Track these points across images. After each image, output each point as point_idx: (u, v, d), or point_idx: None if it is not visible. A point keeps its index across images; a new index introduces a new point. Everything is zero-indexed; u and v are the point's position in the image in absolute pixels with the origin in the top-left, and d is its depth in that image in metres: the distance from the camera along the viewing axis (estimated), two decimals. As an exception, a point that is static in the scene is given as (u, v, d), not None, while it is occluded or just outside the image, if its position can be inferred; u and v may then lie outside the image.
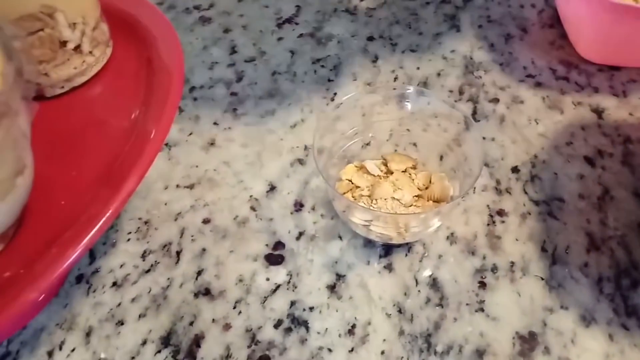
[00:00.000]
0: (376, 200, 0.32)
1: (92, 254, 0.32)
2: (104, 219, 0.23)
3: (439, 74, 0.42)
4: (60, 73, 0.29)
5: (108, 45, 0.32)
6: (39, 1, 0.26)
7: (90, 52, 0.30)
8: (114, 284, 0.31)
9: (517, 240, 0.33)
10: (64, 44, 0.28)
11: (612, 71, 0.42)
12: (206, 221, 0.34)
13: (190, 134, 0.39)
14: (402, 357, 0.28)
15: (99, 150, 0.28)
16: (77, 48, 0.29)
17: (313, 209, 0.35)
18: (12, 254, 0.24)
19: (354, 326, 0.29)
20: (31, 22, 0.26)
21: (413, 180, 0.34)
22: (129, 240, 0.33)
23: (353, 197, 0.33)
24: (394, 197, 0.32)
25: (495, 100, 0.40)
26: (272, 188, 0.36)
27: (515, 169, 0.36)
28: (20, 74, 0.22)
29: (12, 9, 0.25)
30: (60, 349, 0.29)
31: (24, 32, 0.26)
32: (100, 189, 0.25)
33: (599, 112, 0.39)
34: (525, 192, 0.35)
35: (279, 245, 0.33)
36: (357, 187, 0.33)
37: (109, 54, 0.32)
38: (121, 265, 0.32)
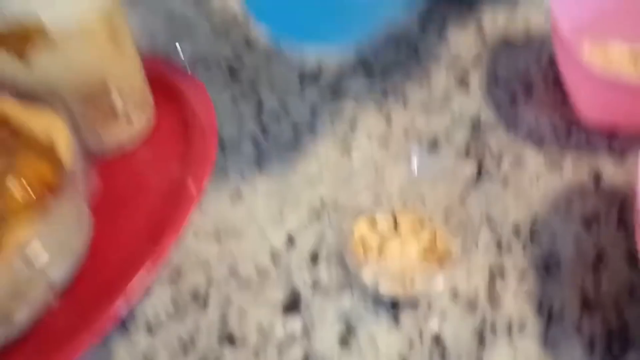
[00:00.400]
0: (385, 255, 0.36)
1: (128, 299, 0.36)
2: (148, 271, 0.27)
3: (447, 132, 0.46)
4: (111, 138, 0.33)
5: (151, 111, 0.36)
6: (97, 77, 0.30)
7: (137, 120, 0.34)
8: (147, 327, 0.35)
9: (515, 298, 0.35)
10: (115, 113, 0.32)
11: (612, 133, 0.44)
12: (231, 270, 0.38)
13: (219, 185, 0.43)
14: (405, 407, 0.31)
15: (142, 207, 0.32)
16: (127, 117, 0.33)
17: (328, 261, 0.38)
18: (67, 304, 0.28)
19: (362, 376, 0.32)
20: (90, 96, 0.31)
21: (419, 237, 0.37)
22: (161, 285, 0.37)
23: (364, 252, 0.36)
24: (401, 254, 0.36)
25: (500, 160, 0.43)
26: (291, 240, 0.39)
27: (515, 228, 0.39)
28: (84, 147, 0.26)
29: (74, 85, 0.30)
30: (100, 386, 0.32)
31: (81, 104, 0.31)
32: (144, 243, 0.29)
33: (597, 174, 0.42)
34: (525, 251, 0.38)
35: (296, 295, 0.36)
36: (368, 242, 0.37)
37: (152, 119, 0.36)
38: (154, 310, 0.36)
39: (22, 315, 0.24)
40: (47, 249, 0.23)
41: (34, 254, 0.22)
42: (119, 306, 0.26)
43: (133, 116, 0.34)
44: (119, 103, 0.32)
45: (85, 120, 0.31)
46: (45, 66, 0.28)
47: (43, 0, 0.26)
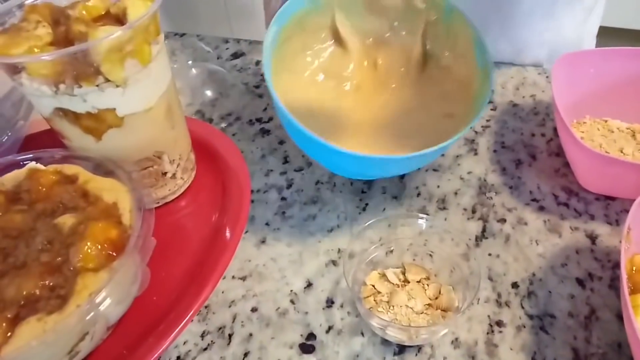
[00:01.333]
0: (393, 306, 0.40)
1: (163, 331, 0.41)
2: (191, 313, 0.31)
3: (455, 193, 0.50)
4: (159, 194, 0.38)
5: (193, 170, 0.42)
6: (153, 148, 0.36)
7: (181, 177, 0.40)
8: (178, 358, 0.39)
9: (511, 349, 0.39)
10: (164, 174, 0.38)
11: (608, 200, 0.48)
12: (254, 310, 0.42)
13: (247, 231, 0.48)
14: None
15: (186, 251, 0.37)
16: (173, 176, 0.39)
17: (342, 306, 0.42)
18: (118, 337, 0.32)
19: (368, 413, 0.35)
20: (145, 162, 0.36)
21: (425, 290, 0.41)
22: (192, 321, 0.41)
23: (375, 300, 0.40)
24: (407, 305, 0.40)
25: (503, 221, 0.47)
26: (309, 285, 0.43)
27: (514, 285, 0.43)
28: (145, 208, 0.31)
29: (135, 154, 0.36)
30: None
31: (139, 168, 0.36)
32: (188, 287, 0.34)
33: (593, 238, 0.46)
34: (522, 307, 0.41)
35: (311, 336, 0.40)
36: (379, 292, 0.41)
37: (193, 176, 0.42)
38: (184, 342, 0.40)
39: (85, 348, 0.29)
40: (110, 298, 0.28)
41: (100, 302, 0.27)
42: (161, 343, 0.30)
43: (178, 175, 0.39)
44: (168, 167, 0.37)
45: (140, 179, 0.36)
46: (112, 140, 0.33)
47: (121, 99, 0.32)
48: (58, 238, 0.29)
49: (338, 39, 0.53)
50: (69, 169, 0.34)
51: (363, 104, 0.52)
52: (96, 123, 0.32)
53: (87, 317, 0.26)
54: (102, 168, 0.33)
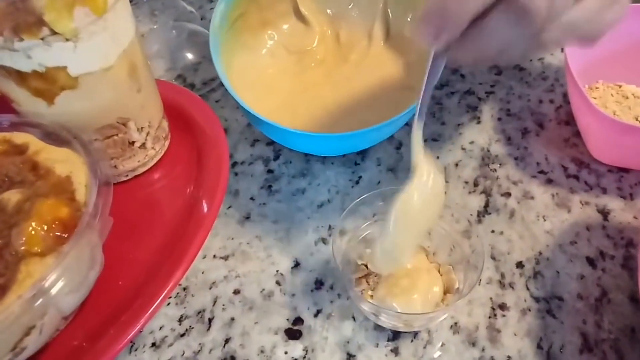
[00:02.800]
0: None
1: (136, 315, 0.37)
2: (162, 296, 0.28)
3: (456, 165, 0.46)
4: (127, 166, 0.34)
5: (167, 139, 0.37)
6: (116, 113, 0.32)
7: (152, 147, 0.36)
8: (153, 344, 0.36)
9: (515, 335, 0.36)
10: (132, 143, 0.34)
11: (621, 173, 0.44)
12: (236, 292, 0.39)
13: (229, 207, 0.44)
14: None
15: (158, 229, 0.33)
16: (142, 145, 0.35)
17: (332, 288, 0.39)
18: (77, 328, 0.29)
19: (358, 405, 0.33)
20: (109, 130, 0.32)
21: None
22: (168, 304, 0.38)
23: (367, 282, 0.37)
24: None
25: (507, 195, 0.44)
26: (297, 265, 0.40)
27: (519, 264, 0.39)
28: (103, 183, 0.27)
29: (95, 120, 0.31)
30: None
31: (101, 137, 0.32)
32: (159, 268, 0.30)
33: (604, 213, 0.42)
34: (527, 288, 0.38)
35: (298, 320, 0.37)
36: (372, 273, 0.37)
37: (167, 146, 0.37)
38: (160, 327, 0.37)
39: (33, 343, 0.25)
40: (61, 285, 0.24)
41: (47, 291, 0.23)
42: (128, 331, 0.27)
43: (149, 145, 0.35)
44: (136, 136, 0.33)
45: (103, 154, 0.32)
46: (67, 104, 0.29)
47: (73, 56, 0.28)
48: (0, 217, 0.25)
49: (298, 13, 0.50)
50: (19, 137, 0.30)
51: (325, 78, 0.49)
52: (46, 84, 0.28)
53: (32, 309, 0.23)
54: (56, 137, 0.29)
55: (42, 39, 0.26)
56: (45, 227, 0.24)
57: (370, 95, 0.47)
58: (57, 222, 0.25)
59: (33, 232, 0.24)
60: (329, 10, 0.51)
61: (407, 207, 0.32)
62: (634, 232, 0.40)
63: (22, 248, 0.24)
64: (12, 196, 0.26)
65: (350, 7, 0.51)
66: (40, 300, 0.23)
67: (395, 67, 0.49)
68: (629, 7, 0.27)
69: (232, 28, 0.45)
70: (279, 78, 0.49)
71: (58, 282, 0.23)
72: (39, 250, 0.24)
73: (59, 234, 0.25)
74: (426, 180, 0.32)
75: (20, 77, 0.28)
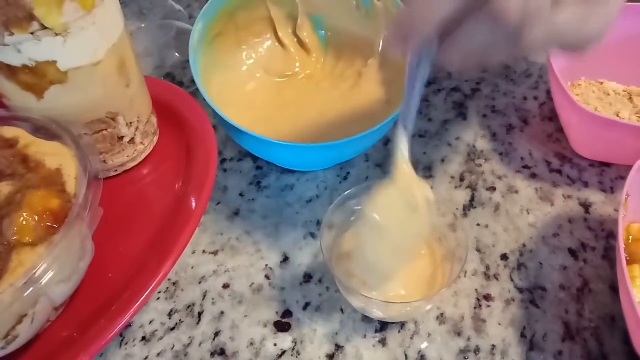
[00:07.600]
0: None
1: (126, 309, 0.38)
2: (149, 289, 0.28)
3: (442, 160, 0.47)
4: (116, 160, 0.34)
5: (155, 134, 0.38)
6: (105, 108, 0.32)
7: (141, 142, 0.36)
8: (143, 338, 0.36)
9: (499, 324, 0.36)
10: (120, 138, 0.34)
11: (603, 167, 0.46)
12: (226, 286, 0.39)
13: (218, 203, 0.44)
14: None
15: (147, 223, 0.33)
16: (131, 140, 0.35)
17: (320, 281, 0.39)
18: (68, 319, 0.29)
19: (346, 394, 0.33)
20: (97, 124, 0.32)
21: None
22: (158, 298, 0.38)
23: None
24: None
25: (492, 189, 0.45)
26: (286, 259, 0.41)
27: (504, 256, 0.40)
28: (92, 175, 0.27)
29: (84, 114, 0.32)
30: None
31: (90, 131, 0.32)
32: (147, 261, 0.30)
33: (586, 206, 0.43)
34: (512, 279, 0.39)
35: (287, 313, 0.37)
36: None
37: (155, 141, 0.38)
38: (150, 322, 0.37)
39: (25, 331, 0.26)
40: (52, 275, 0.24)
41: (38, 279, 0.24)
42: (117, 321, 0.27)
43: (137, 140, 0.36)
44: (125, 131, 0.34)
45: (92, 148, 0.32)
46: (56, 99, 0.29)
47: (62, 50, 0.28)
48: (-8, 209, 0.25)
49: (276, 34, 0.50)
50: (8, 131, 0.30)
51: (307, 95, 0.49)
52: (35, 78, 0.28)
53: (24, 297, 0.23)
54: (46, 130, 0.30)
55: (32, 33, 0.26)
56: (36, 218, 0.25)
57: (353, 110, 0.47)
58: (47, 213, 0.25)
59: (24, 223, 0.24)
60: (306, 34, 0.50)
61: (378, 207, 0.32)
62: (614, 224, 0.41)
63: (14, 238, 0.24)
64: (3, 188, 0.26)
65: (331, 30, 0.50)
66: (31, 288, 0.23)
67: (378, 83, 0.48)
68: (617, 18, 0.26)
69: (211, 46, 0.45)
70: (259, 95, 0.48)
71: (49, 271, 0.24)
72: (30, 240, 0.24)
73: (49, 224, 0.25)
74: (402, 192, 0.32)
75: (9, 71, 0.28)
